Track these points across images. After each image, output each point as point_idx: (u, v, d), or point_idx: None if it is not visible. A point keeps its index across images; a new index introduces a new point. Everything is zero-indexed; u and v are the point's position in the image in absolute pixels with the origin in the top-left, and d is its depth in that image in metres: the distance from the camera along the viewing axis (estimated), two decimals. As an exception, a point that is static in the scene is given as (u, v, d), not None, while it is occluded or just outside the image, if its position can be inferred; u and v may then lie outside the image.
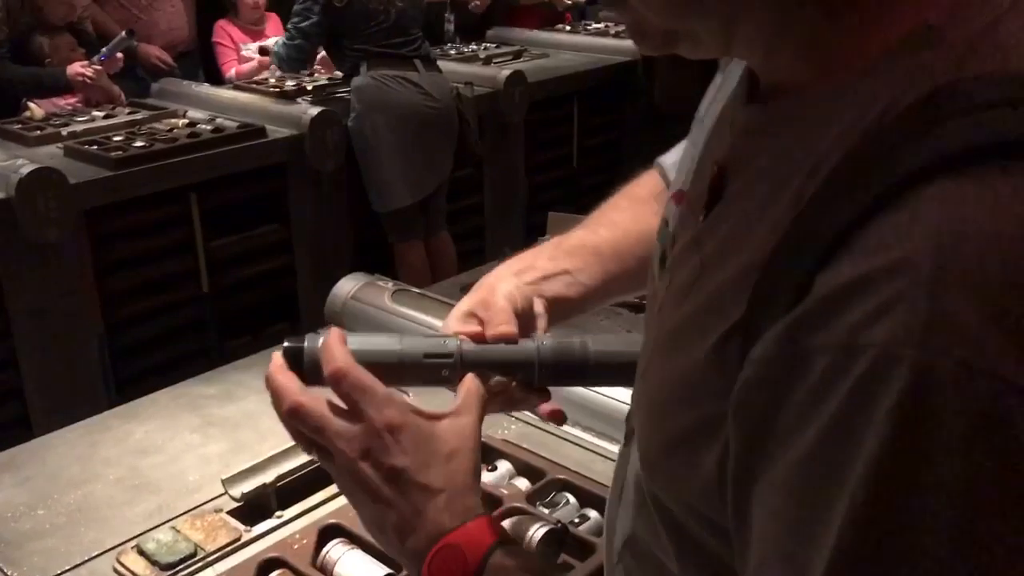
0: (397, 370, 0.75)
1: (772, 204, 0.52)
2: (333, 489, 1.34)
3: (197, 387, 1.73)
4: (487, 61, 4.70)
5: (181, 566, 1.22)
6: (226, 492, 1.33)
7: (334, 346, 0.71)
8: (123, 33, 3.92)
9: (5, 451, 1.54)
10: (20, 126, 3.61)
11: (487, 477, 1.36)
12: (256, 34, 4.60)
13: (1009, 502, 0.41)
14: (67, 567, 1.25)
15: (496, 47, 5.06)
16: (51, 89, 3.90)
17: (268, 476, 1.33)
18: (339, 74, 4.00)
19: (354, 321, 1.88)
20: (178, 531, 1.28)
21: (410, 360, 0.74)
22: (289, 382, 0.71)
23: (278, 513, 1.32)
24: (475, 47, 5.03)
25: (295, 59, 3.74)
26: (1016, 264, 0.42)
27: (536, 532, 1.19)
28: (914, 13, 0.50)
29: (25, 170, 2.84)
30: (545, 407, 0.82)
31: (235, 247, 3.46)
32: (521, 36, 5.32)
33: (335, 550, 1.19)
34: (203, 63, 4.80)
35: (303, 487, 1.34)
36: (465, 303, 0.84)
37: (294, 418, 0.70)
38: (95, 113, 3.78)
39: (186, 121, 3.66)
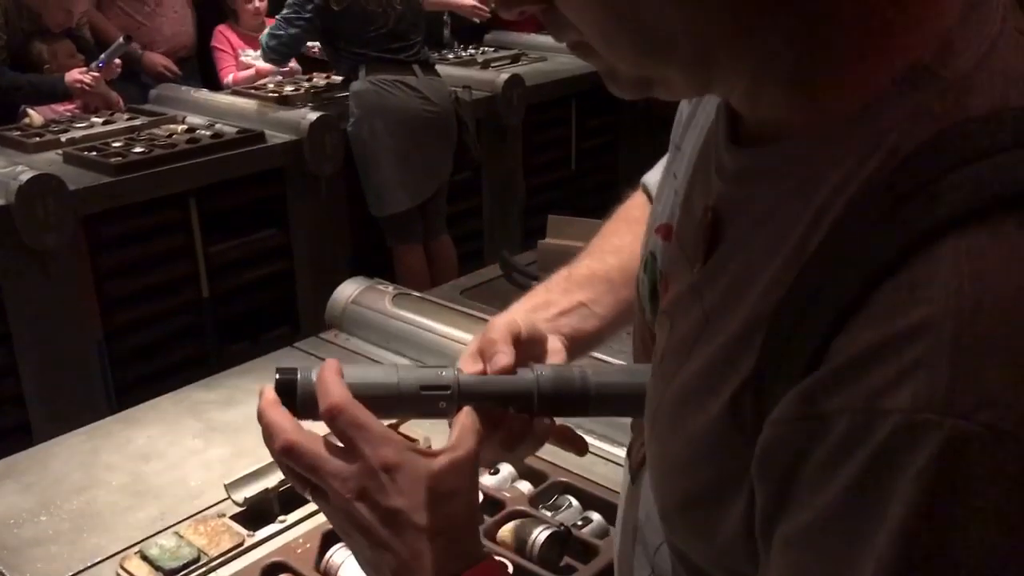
0: (394, 403, 0.73)
1: (773, 255, 0.50)
2: (336, 493, 1.35)
3: (198, 392, 1.73)
4: (485, 65, 4.71)
5: (184, 571, 1.22)
6: (229, 497, 1.33)
7: (330, 380, 0.69)
8: (120, 39, 3.92)
9: (6, 458, 1.54)
10: (19, 133, 3.62)
11: (489, 480, 1.36)
12: (256, 41, 4.60)
13: None
14: (70, 573, 1.25)
15: (494, 51, 5.07)
16: (50, 96, 3.90)
17: (271, 480, 1.33)
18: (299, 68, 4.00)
19: (355, 325, 1.89)
20: (181, 536, 1.28)
21: (407, 393, 0.72)
22: (282, 419, 0.69)
23: (281, 517, 1.32)
24: (473, 51, 5.04)
25: (278, 52, 3.70)
26: None
27: (539, 535, 1.20)
28: (904, 51, 0.48)
29: (24, 177, 2.84)
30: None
31: (234, 252, 3.46)
32: (519, 40, 5.32)
33: (338, 554, 1.19)
34: (202, 68, 4.81)
35: (306, 491, 1.34)
36: (473, 344, 0.81)
37: (287, 457, 0.68)
38: (94, 119, 3.79)
39: (185, 127, 3.67)
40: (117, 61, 3.93)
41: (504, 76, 4.22)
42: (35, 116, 3.75)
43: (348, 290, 1.94)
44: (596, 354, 1.10)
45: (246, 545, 1.28)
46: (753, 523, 0.50)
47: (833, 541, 0.44)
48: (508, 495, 1.31)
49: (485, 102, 4.09)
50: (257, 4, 4.50)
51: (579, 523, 1.27)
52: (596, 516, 1.28)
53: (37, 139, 3.52)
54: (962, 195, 0.43)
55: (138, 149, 3.32)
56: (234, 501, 1.32)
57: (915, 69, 0.48)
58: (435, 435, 1.41)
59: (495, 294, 2.21)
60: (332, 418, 0.67)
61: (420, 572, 0.66)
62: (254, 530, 1.30)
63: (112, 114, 3.88)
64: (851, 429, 0.43)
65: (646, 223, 0.76)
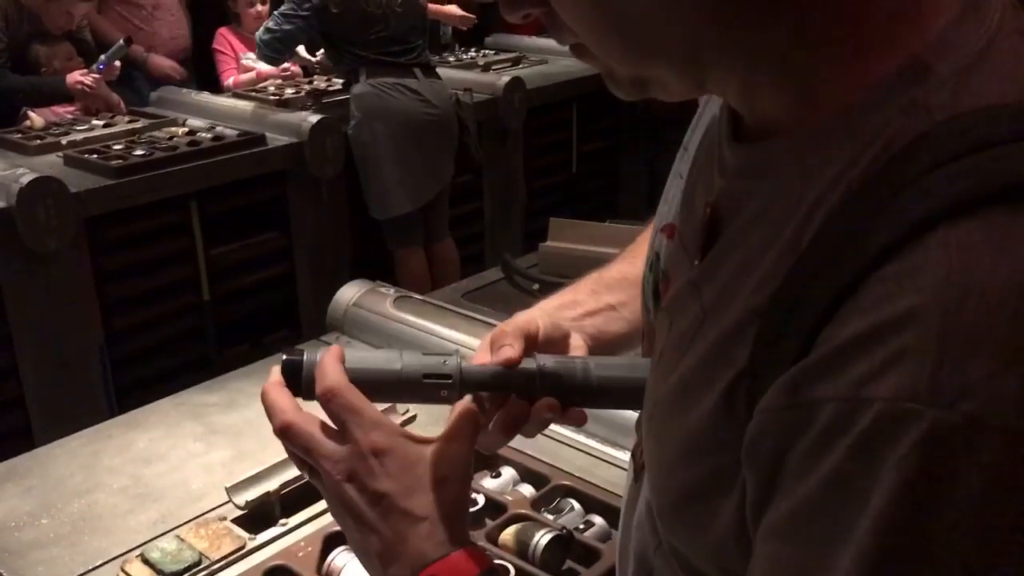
0: (396, 388, 0.73)
1: (770, 249, 0.51)
2: (337, 496, 1.34)
3: (199, 395, 1.73)
4: (486, 68, 4.71)
5: (186, 574, 1.22)
6: (230, 500, 1.32)
7: (328, 364, 0.70)
8: (121, 41, 3.92)
9: (7, 460, 1.54)
10: (20, 135, 3.62)
11: (491, 484, 1.36)
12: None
13: (1020, 563, 0.40)
14: (71, 576, 1.25)
15: (495, 54, 5.08)
16: (50, 98, 3.91)
17: (272, 484, 1.32)
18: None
19: (356, 328, 1.89)
20: (182, 539, 1.28)
21: (409, 379, 0.73)
22: (281, 399, 0.71)
23: (282, 521, 1.32)
24: (474, 54, 5.04)
25: (270, 47, 3.68)
26: None
27: (541, 538, 1.19)
28: (899, 46, 0.48)
29: (25, 179, 2.84)
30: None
31: (235, 255, 3.46)
32: (520, 43, 5.33)
33: (340, 557, 1.18)
34: (197, 70, 4.81)
35: (307, 494, 1.34)
36: (487, 337, 0.82)
37: (283, 436, 0.70)
38: (95, 122, 3.79)
39: (186, 129, 3.67)
40: (117, 63, 3.93)
41: (505, 79, 4.22)
42: (36, 118, 3.75)
43: (349, 293, 1.93)
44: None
45: (247, 548, 1.27)
46: (742, 525, 0.50)
47: (815, 530, 0.44)
48: (510, 498, 1.30)
49: (486, 105, 4.09)
50: (259, 8, 4.50)
51: (581, 527, 1.26)
52: (598, 520, 1.28)
53: (38, 141, 3.52)
54: (954, 187, 0.43)
55: (139, 151, 3.32)
56: (235, 504, 1.32)
57: (911, 65, 0.48)
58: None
59: (496, 297, 2.21)
60: (326, 401, 0.69)
61: (402, 556, 0.67)
62: (255, 533, 1.30)
63: (113, 116, 3.88)
64: (835, 418, 0.43)
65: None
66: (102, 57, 3.88)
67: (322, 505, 1.34)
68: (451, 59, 4.89)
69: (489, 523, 1.26)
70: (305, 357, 0.72)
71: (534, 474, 1.38)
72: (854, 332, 0.44)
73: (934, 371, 0.41)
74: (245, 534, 1.30)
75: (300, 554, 1.22)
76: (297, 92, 4.11)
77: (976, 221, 0.43)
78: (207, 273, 3.37)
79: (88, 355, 3.07)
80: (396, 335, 1.81)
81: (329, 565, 1.19)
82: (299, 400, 0.72)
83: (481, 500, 1.29)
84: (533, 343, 0.80)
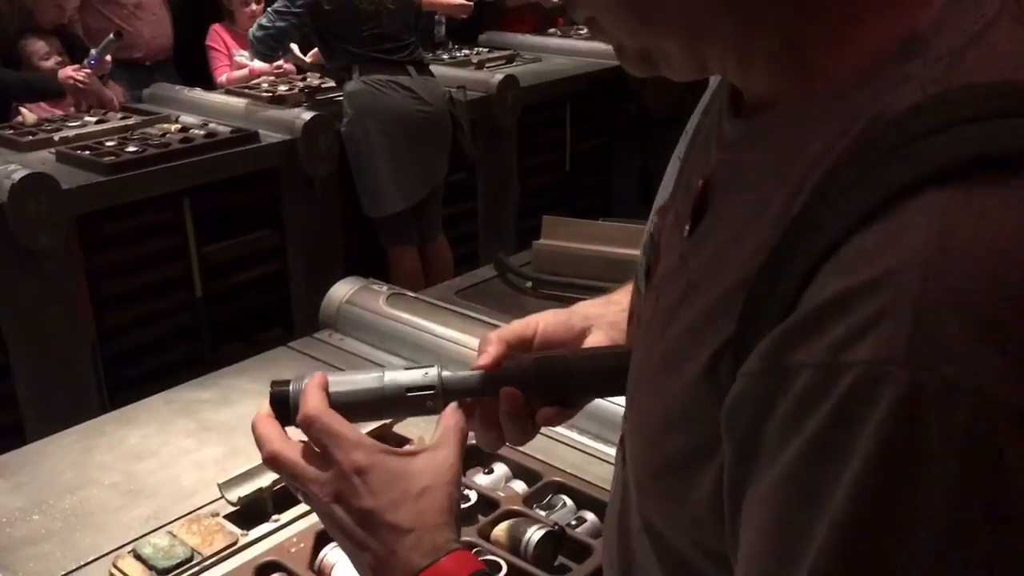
0: (381, 406, 0.76)
1: (759, 220, 0.51)
2: (329, 493, 1.35)
3: (192, 392, 1.73)
4: (480, 66, 4.71)
5: (177, 571, 1.22)
6: (222, 496, 1.32)
7: (308, 392, 0.72)
8: (112, 35, 3.92)
9: (-1, 457, 1.54)
10: (12, 131, 3.60)
11: (484, 480, 1.36)
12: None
13: (994, 525, 0.40)
14: (63, 572, 1.25)
15: (488, 51, 5.07)
16: (42, 93, 3.90)
17: (264, 480, 1.32)
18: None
19: (349, 326, 1.89)
20: (174, 535, 1.28)
21: (393, 397, 0.75)
22: (268, 430, 0.73)
23: (275, 517, 1.32)
24: (468, 51, 5.04)
25: (263, 43, 3.66)
26: (1005, 278, 0.41)
27: (533, 534, 1.20)
28: (897, 21, 0.49)
29: (17, 176, 2.83)
30: (545, 412, 0.80)
31: (229, 252, 3.46)
32: (513, 40, 5.33)
33: (332, 553, 1.18)
34: (184, 67, 4.79)
35: (299, 491, 1.34)
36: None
37: (272, 465, 0.73)
38: (87, 118, 3.78)
39: (179, 126, 3.66)
40: (108, 57, 3.93)
41: (499, 77, 4.22)
42: (27, 115, 3.74)
43: (342, 290, 1.93)
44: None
45: (239, 544, 1.27)
46: (720, 496, 0.50)
47: (796, 499, 0.44)
48: (502, 495, 1.31)
49: (480, 103, 4.09)
50: (254, 7, 4.50)
51: (573, 523, 1.27)
52: (590, 516, 1.28)
53: (30, 138, 3.51)
54: (940, 156, 0.44)
55: (132, 148, 3.31)
56: (227, 500, 1.32)
57: (908, 40, 0.48)
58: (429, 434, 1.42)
59: (490, 295, 2.21)
60: (306, 427, 0.71)
61: (394, 568, 0.68)
62: (247, 529, 1.30)
63: (105, 113, 3.87)
64: (813, 384, 0.43)
65: None
66: (93, 52, 3.87)
67: (314, 501, 1.34)
68: (445, 57, 4.89)
69: (482, 519, 1.26)
70: (291, 387, 0.74)
71: (526, 470, 1.38)
72: (833, 294, 0.44)
73: (912, 334, 0.41)
74: (237, 530, 1.30)
75: (292, 550, 1.22)
76: (290, 89, 4.10)
77: (960, 188, 0.43)
78: (200, 270, 3.36)
79: (80, 352, 3.06)
80: (389, 333, 1.82)
81: (321, 561, 1.19)
82: (291, 428, 0.74)
83: (474, 496, 1.29)
84: (527, 345, 0.81)
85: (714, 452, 0.50)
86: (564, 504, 1.32)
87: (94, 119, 3.76)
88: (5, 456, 1.54)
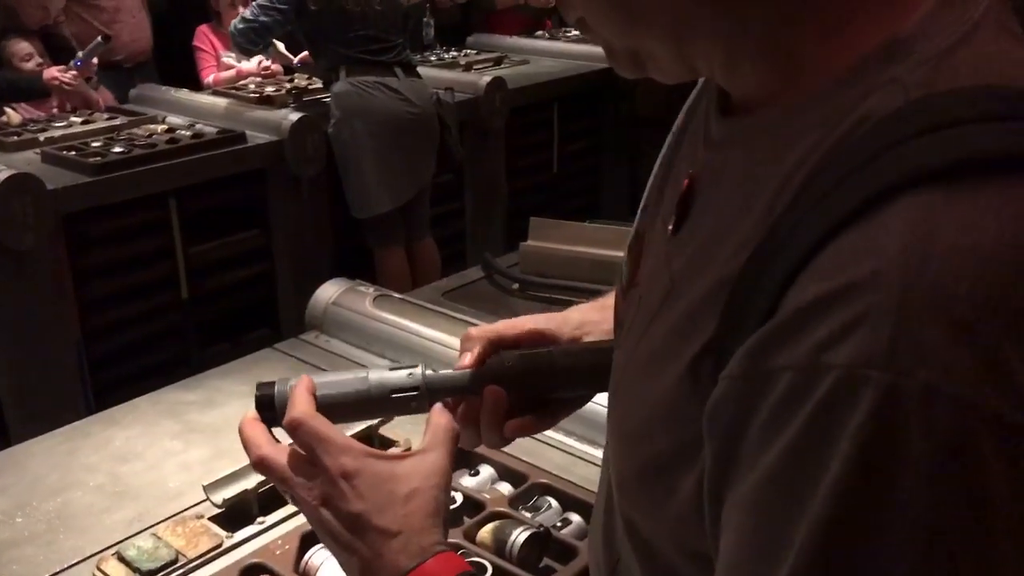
0: (367, 408, 0.76)
1: (742, 219, 0.51)
2: (315, 494, 1.34)
3: (177, 393, 1.72)
4: (468, 67, 4.71)
5: (162, 573, 1.22)
6: (207, 498, 1.32)
7: (296, 395, 0.73)
8: (99, 38, 3.90)
9: (-17, 458, 1.53)
10: (-3, 132, 3.59)
11: (469, 482, 1.36)
12: (239, 44, 4.59)
13: (972, 529, 0.40)
14: (47, 575, 1.24)
15: (476, 53, 5.07)
16: (27, 93, 3.87)
17: (250, 482, 1.32)
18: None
19: (336, 327, 1.88)
20: (159, 538, 1.27)
21: (377, 398, 0.76)
22: (255, 434, 0.73)
23: (260, 519, 1.32)
24: (455, 53, 5.04)
25: (244, 36, 3.63)
26: (984, 283, 0.41)
27: (519, 536, 1.20)
28: (882, 25, 0.49)
29: (1, 176, 2.81)
30: (515, 423, 0.79)
31: (215, 253, 3.44)
32: (501, 43, 5.33)
33: (317, 555, 1.18)
34: (167, 67, 4.78)
35: (285, 493, 1.34)
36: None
37: (260, 469, 0.73)
38: (73, 119, 3.76)
39: (165, 127, 3.65)
40: (95, 60, 3.91)
41: (487, 79, 4.22)
42: (13, 115, 3.72)
43: (329, 291, 1.93)
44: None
45: (225, 546, 1.27)
46: (701, 496, 0.50)
47: (777, 502, 0.44)
48: (488, 496, 1.31)
49: (468, 104, 4.09)
50: (241, 9, 4.48)
51: (558, 524, 1.27)
52: (576, 517, 1.28)
53: (15, 138, 3.49)
54: (920, 159, 0.44)
55: (117, 149, 3.30)
56: (212, 502, 1.31)
57: (892, 44, 0.49)
58: (416, 436, 1.42)
59: (477, 296, 2.21)
60: (292, 431, 0.71)
61: (380, 570, 0.68)
62: (233, 531, 1.30)
63: (92, 114, 3.85)
64: (793, 387, 0.43)
65: None
66: (80, 54, 3.85)
67: (300, 503, 1.34)
68: (433, 58, 4.89)
69: (467, 521, 1.26)
70: (276, 390, 0.75)
71: (512, 472, 1.38)
72: (813, 296, 0.44)
73: (892, 337, 0.41)
74: (222, 532, 1.29)
75: (277, 552, 1.22)
76: (277, 90, 4.09)
77: (939, 192, 0.43)
78: (186, 271, 3.35)
79: (65, 353, 3.04)
80: (375, 334, 1.81)
81: (306, 563, 1.19)
82: (278, 431, 0.74)
83: (459, 498, 1.29)
84: (510, 345, 0.81)
85: (696, 454, 0.50)
86: (549, 506, 1.32)
87: (80, 120, 3.74)
88: (-12, 458, 1.53)
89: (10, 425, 2.90)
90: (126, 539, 1.29)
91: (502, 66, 4.85)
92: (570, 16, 0.60)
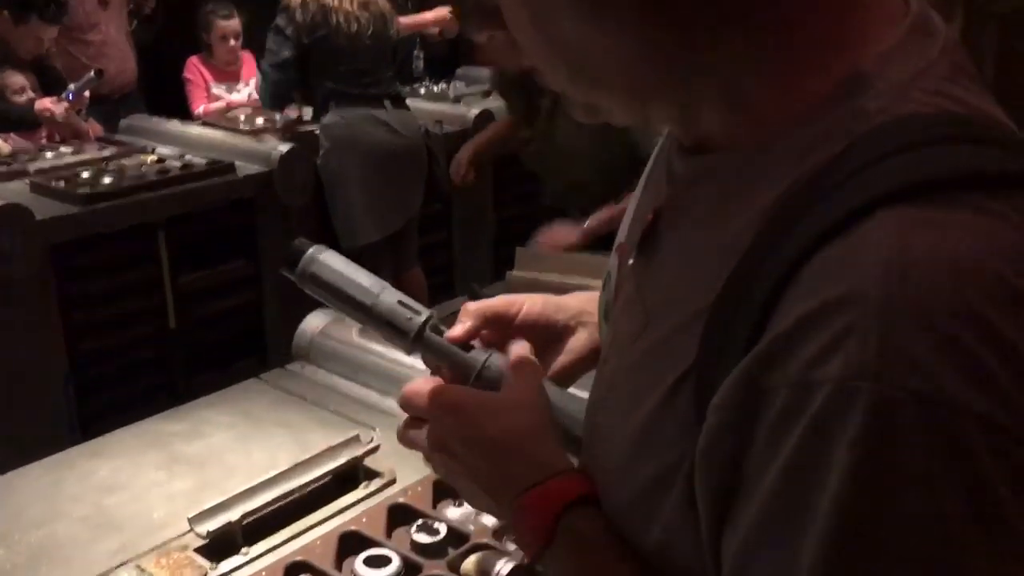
0: (363, 316, 0.80)
1: (715, 249, 0.52)
2: (300, 526, 1.35)
3: (163, 423, 1.72)
4: (456, 99, 4.74)
5: (145, 605, 1.21)
6: (192, 529, 1.32)
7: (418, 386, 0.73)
8: (91, 72, 3.92)
9: (-34, 489, 1.52)
10: (-14, 162, 3.59)
11: (454, 513, 1.36)
12: (229, 74, 4.62)
13: (976, 530, 0.41)
14: (29, 607, 1.24)
15: (465, 85, 5.11)
16: (18, 124, 3.88)
17: (234, 513, 1.32)
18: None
19: (322, 357, 1.89)
20: (143, 569, 1.27)
21: (377, 316, 0.79)
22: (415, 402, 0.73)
23: (244, 550, 1.31)
24: (444, 85, 5.07)
25: (277, 104, 3.72)
26: (961, 293, 0.42)
27: (502, 568, 1.20)
28: (842, 62, 0.51)
29: (-9, 206, 2.82)
30: None
31: (203, 282, 3.45)
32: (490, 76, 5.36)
33: (301, 587, 1.18)
34: (155, 98, 4.80)
35: (270, 524, 1.34)
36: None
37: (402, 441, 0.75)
38: (63, 149, 3.77)
39: (155, 157, 3.66)
40: (87, 94, 3.93)
41: (475, 111, 4.25)
42: (2, 145, 3.73)
43: (315, 321, 1.94)
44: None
45: (208, 578, 1.27)
46: (686, 517, 0.51)
47: (779, 519, 0.45)
48: (472, 527, 1.31)
49: (456, 136, 4.11)
50: (232, 42, 4.53)
51: (542, 555, 1.27)
52: (559, 548, 1.28)
53: (4, 168, 3.50)
54: (893, 178, 0.45)
55: (107, 179, 3.31)
56: (197, 534, 1.31)
57: (853, 78, 0.50)
58: (401, 468, 1.42)
59: (463, 326, 2.21)
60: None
61: (501, 488, 0.66)
62: (217, 563, 1.29)
63: (82, 144, 3.86)
64: (787, 404, 0.44)
65: None
66: (71, 87, 3.87)
67: (285, 535, 1.34)
68: (422, 91, 4.92)
69: (451, 552, 1.26)
70: (305, 254, 0.84)
71: (497, 503, 1.38)
72: (799, 315, 0.45)
73: (879, 348, 0.42)
74: (207, 563, 1.29)
75: (261, 583, 1.22)
76: (267, 121, 4.12)
77: (913, 207, 0.44)
78: (174, 301, 3.35)
79: (52, 383, 3.03)
80: (362, 364, 1.82)
81: (290, 594, 1.19)
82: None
83: (443, 530, 1.29)
84: (505, 322, 0.80)
85: (676, 476, 0.51)
86: (534, 536, 1.32)
87: (70, 150, 3.76)
88: (-28, 489, 1.52)
89: (-5, 455, 2.88)
90: (110, 571, 1.28)
91: (490, 98, 4.88)
92: (526, 62, 0.61)
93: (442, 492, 1.39)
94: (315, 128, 3.77)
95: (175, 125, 4.15)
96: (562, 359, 0.81)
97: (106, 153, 3.73)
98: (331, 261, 0.83)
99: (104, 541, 1.37)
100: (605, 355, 0.65)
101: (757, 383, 0.46)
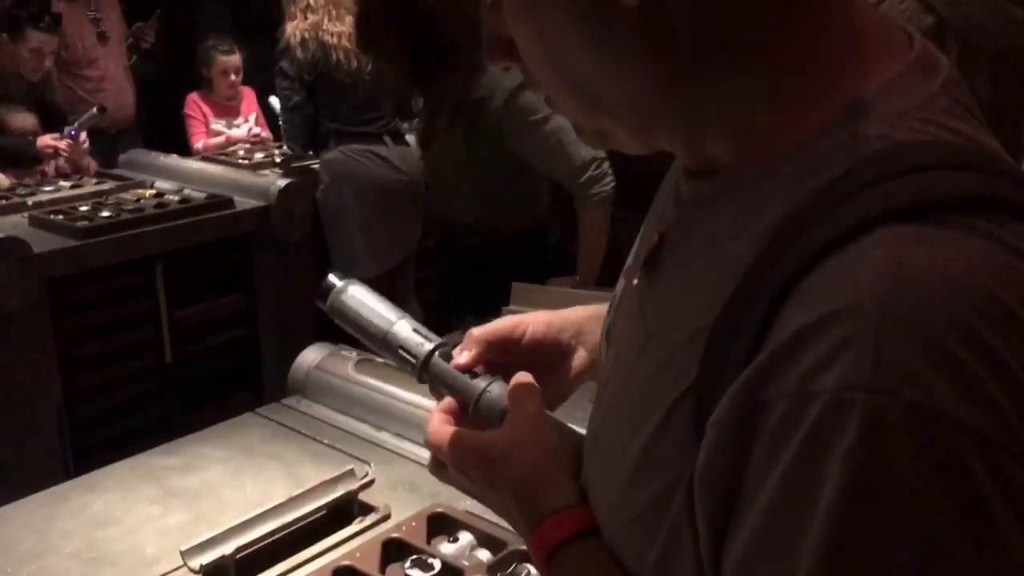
0: (374, 341, 0.85)
1: (714, 271, 0.53)
2: (294, 560, 1.34)
3: (158, 458, 1.71)
4: (454, 135, 4.77)
5: (137, 640, 1.21)
6: (185, 563, 1.31)
7: (437, 417, 0.76)
8: (94, 109, 3.95)
9: (-41, 523, 1.51)
10: (-15, 196, 3.61)
11: (448, 549, 1.36)
12: (229, 109, 4.65)
13: (970, 541, 0.42)
14: (19, 642, 1.23)
15: (463, 121, 5.14)
16: (18, 159, 3.90)
17: (228, 547, 1.31)
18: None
19: (318, 392, 1.89)
20: (135, 604, 1.26)
21: (389, 343, 0.84)
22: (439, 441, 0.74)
23: (237, 585, 1.31)
24: (443, 121, 5.10)
25: (302, 146, 3.73)
26: (955, 308, 0.43)
27: (496, 603, 1.19)
28: (844, 90, 0.53)
29: (-11, 240, 2.83)
30: None
31: (199, 317, 3.45)
32: (488, 111, 5.40)
33: (294, 623, 1.18)
34: (153, 133, 4.83)
35: (264, 558, 1.33)
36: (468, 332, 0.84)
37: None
38: (62, 183, 3.78)
39: (153, 192, 3.67)
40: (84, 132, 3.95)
41: (473, 146, 4.27)
42: (2, 179, 3.74)
43: (311, 356, 1.94)
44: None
45: (201, 613, 1.26)
46: (685, 536, 0.52)
47: (777, 529, 0.46)
48: (467, 564, 1.31)
49: (454, 171, 4.14)
50: (232, 78, 4.56)
51: (537, 591, 1.27)
52: (554, 584, 1.28)
53: (3, 202, 3.51)
54: (891, 198, 0.47)
55: (105, 213, 3.32)
56: (190, 568, 1.31)
57: (855, 104, 0.52)
58: (395, 503, 1.41)
59: (459, 361, 2.21)
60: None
61: (520, 529, 0.71)
62: (210, 598, 1.29)
63: (80, 178, 3.88)
64: (784, 416, 0.45)
65: None
66: (75, 123, 3.89)
67: (278, 569, 1.33)
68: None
69: (445, 588, 1.26)
70: (334, 290, 0.87)
71: (491, 539, 1.38)
72: (797, 328, 0.46)
73: (875, 360, 0.43)
74: (199, 599, 1.28)
75: (254, 619, 1.21)
76: (267, 156, 4.14)
77: (910, 225, 0.46)
78: (170, 335, 3.35)
79: (46, 416, 3.02)
80: (358, 399, 1.82)
81: (283, 630, 1.18)
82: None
83: (437, 565, 1.29)
84: (512, 347, 0.80)
85: (673, 496, 0.52)
86: (528, 573, 1.31)
87: (69, 184, 3.77)
88: (-35, 523, 1.52)
89: (-12, 489, 2.87)
90: (101, 606, 1.28)
91: (488, 134, 4.91)
92: (539, 93, 0.63)
93: (437, 527, 1.38)
94: (315, 163, 3.80)
95: (174, 160, 4.17)
96: (558, 378, 0.82)
97: (105, 187, 3.74)
98: (357, 294, 0.87)
99: (96, 576, 1.36)
100: (607, 376, 0.66)
101: (755, 396, 0.47)
